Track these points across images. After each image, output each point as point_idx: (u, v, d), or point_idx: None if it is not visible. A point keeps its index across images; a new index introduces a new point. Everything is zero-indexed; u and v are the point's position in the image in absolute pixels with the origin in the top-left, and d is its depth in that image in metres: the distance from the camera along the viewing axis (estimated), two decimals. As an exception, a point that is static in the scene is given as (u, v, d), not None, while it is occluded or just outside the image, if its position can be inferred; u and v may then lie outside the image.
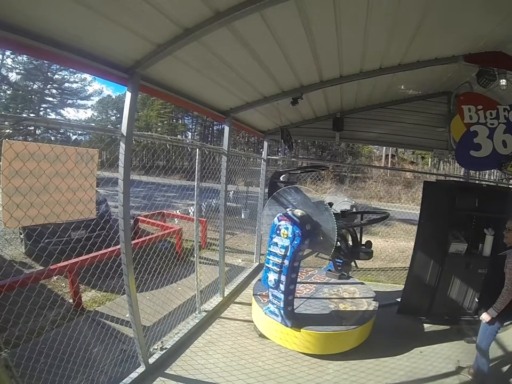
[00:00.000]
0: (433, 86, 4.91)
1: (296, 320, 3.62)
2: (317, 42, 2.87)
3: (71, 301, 4.34)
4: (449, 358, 3.66)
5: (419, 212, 4.60)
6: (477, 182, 5.82)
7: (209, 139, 36.70)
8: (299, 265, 3.65)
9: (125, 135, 2.65)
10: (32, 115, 25.96)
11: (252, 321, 4.11)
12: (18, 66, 29.56)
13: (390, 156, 29.64)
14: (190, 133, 38.02)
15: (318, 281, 4.73)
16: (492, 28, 2.83)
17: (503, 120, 3.85)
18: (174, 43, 2.36)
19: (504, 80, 3.41)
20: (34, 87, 31.18)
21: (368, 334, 3.87)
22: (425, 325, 4.37)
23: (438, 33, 2.87)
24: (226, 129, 4.66)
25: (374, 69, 3.65)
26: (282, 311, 3.59)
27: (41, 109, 31.98)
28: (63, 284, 4.92)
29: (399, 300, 4.73)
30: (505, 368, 3.48)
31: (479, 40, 3.11)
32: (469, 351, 3.74)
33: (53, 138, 28.94)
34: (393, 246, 8.82)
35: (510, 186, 5.67)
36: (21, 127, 1.91)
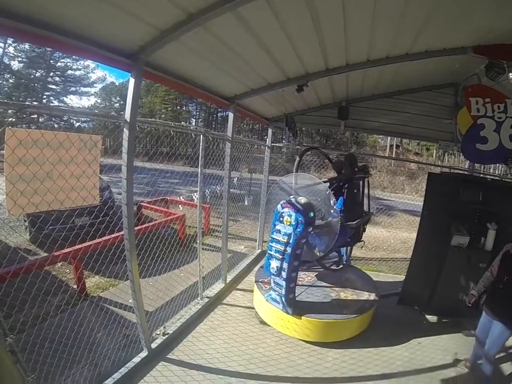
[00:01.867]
0: (440, 77, 4.82)
1: (297, 307, 3.65)
2: (324, 29, 2.81)
3: (75, 286, 4.39)
4: (447, 350, 3.70)
5: (422, 203, 4.59)
6: (481, 175, 5.77)
7: (214, 126, 36.51)
8: (301, 253, 3.67)
9: (129, 121, 2.64)
10: (35, 103, 25.84)
11: (253, 308, 4.16)
12: (20, 54, 29.17)
13: (394, 146, 29.38)
14: (194, 120, 37.81)
15: (320, 269, 4.75)
16: (502, 19, 2.74)
17: (511, 115, 3.78)
18: (177, 28, 2.32)
19: (513, 74, 3.34)
20: (37, 75, 30.80)
21: (368, 323, 3.92)
22: (425, 316, 4.41)
23: (448, 23, 2.79)
24: (231, 116, 4.63)
25: (380, 57, 3.58)
26: (283, 299, 3.62)
27: (44, 96, 31.69)
28: (67, 270, 4.97)
29: (399, 290, 4.76)
30: (505, 367, 3.47)
31: (489, 31, 3.01)
32: (467, 344, 3.76)
33: (56, 125, 28.93)
34: (396, 237, 8.84)
35: (514, 181, 5.64)
36: (24, 115, 1.91)
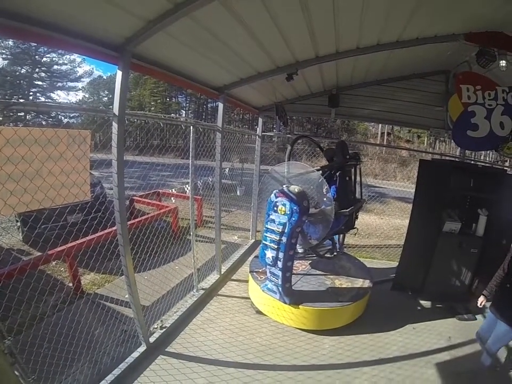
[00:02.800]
0: (431, 64, 4.80)
1: (294, 296, 3.69)
2: (313, 16, 2.76)
3: (70, 284, 4.37)
4: (441, 335, 3.77)
5: (414, 190, 4.63)
6: (472, 162, 5.83)
7: (204, 117, 36.17)
8: (296, 242, 3.68)
9: (117, 114, 2.59)
10: (21, 100, 25.11)
11: (249, 298, 4.18)
12: (4, 51, 28.09)
13: (385, 134, 29.47)
14: (184, 111, 37.41)
15: (314, 257, 4.77)
16: (494, 7, 2.73)
17: (501, 102, 3.81)
18: (164, 19, 2.26)
19: (504, 62, 3.32)
20: (22, 72, 29.85)
21: (363, 310, 3.97)
22: (418, 302, 4.48)
23: (439, 9, 2.76)
24: (220, 106, 4.58)
25: (371, 45, 3.54)
26: (280, 288, 3.65)
27: (31, 93, 30.82)
28: (62, 269, 4.93)
29: (393, 276, 4.83)
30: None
31: (480, 19, 3.00)
32: (460, 328, 3.87)
33: (44, 122, 28.27)
34: (388, 224, 8.92)
35: (505, 168, 5.70)
36: (11, 113, 1.85)
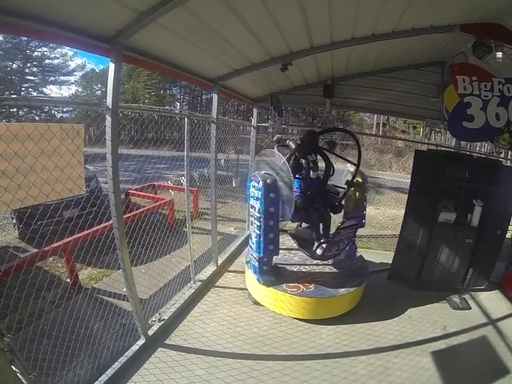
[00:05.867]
0: (427, 55, 4.80)
1: (269, 277, 3.80)
2: (307, 6, 2.74)
3: (68, 280, 4.34)
4: (436, 324, 3.81)
5: (410, 180, 4.64)
6: (467, 153, 5.85)
7: (199, 108, 35.92)
8: (276, 225, 3.65)
9: (111, 107, 2.55)
10: (13, 96, 24.66)
11: (246, 289, 4.20)
12: None
13: (381, 125, 29.47)
14: (178, 103, 37.09)
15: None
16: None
17: (497, 93, 3.81)
18: (157, 9, 2.22)
19: (500, 53, 3.32)
20: (13, 67, 29.19)
21: (359, 300, 3.99)
22: (414, 291, 4.49)
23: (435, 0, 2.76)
24: (215, 97, 4.53)
25: (366, 35, 3.53)
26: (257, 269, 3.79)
27: (23, 88, 30.20)
28: (59, 264, 4.92)
29: (389, 266, 4.87)
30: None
31: (477, 10, 2.98)
32: (455, 317, 3.91)
33: (37, 118, 27.92)
34: (384, 214, 8.95)
35: (500, 159, 5.73)
36: (3, 109, 1.82)
